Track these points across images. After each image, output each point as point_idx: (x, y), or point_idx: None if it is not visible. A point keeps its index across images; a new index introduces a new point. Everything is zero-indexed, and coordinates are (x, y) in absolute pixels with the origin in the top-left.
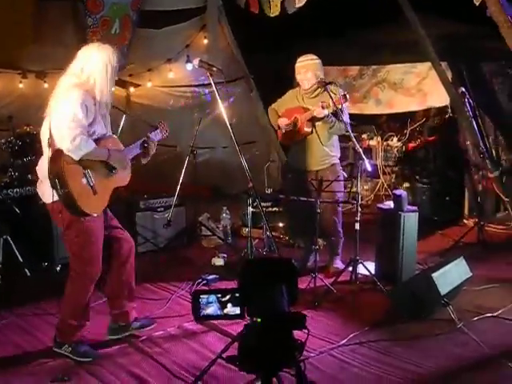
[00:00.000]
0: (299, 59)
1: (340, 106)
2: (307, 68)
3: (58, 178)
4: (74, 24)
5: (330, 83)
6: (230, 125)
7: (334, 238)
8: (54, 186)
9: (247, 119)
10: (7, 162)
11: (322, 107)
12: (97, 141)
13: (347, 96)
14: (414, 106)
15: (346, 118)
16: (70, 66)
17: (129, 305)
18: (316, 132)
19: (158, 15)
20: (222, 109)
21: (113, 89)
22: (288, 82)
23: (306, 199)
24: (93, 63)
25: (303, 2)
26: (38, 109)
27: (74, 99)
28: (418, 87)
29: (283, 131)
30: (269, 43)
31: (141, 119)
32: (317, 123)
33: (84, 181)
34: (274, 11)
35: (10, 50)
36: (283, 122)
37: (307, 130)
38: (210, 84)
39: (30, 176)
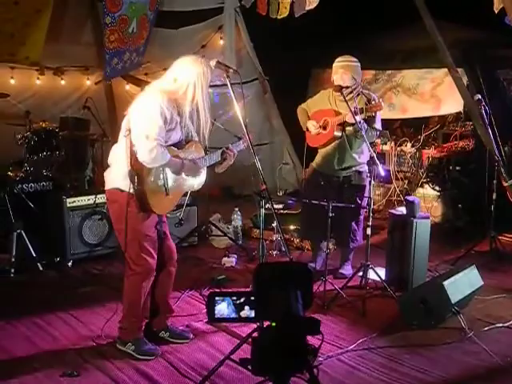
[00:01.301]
0: (338, 59)
1: (373, 114)
2: (346, 69)
3: (137, 175)
4: (91, 22)
5: (347, 88)
6: (245, 126)
7: (353, 245)
8: (131, 180)
9: (260, 121)
10: (23, 157)
11: (355, 113)
12: (176, 145)
13: (382, 103)
14: (428, 111)
15: (378, 125)
16: (166, 72)
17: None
18: (345, 137)
19: (176, 15)
20: (238, 110)
21: (207, 101)
22: (302, 84)
23: (317, 202)
24: (188, 75)
25: (314, 5)
26: (54, 105)
27: (155, 106)
28: (432, 93)
29: (312, 133)
30: (284, 46)
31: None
32: (347, 128)
33: (160, 182)
34: (282, 13)
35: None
36: (313, 124)
37: (337, 134)
38: (222, 85)
39: (44, 171)
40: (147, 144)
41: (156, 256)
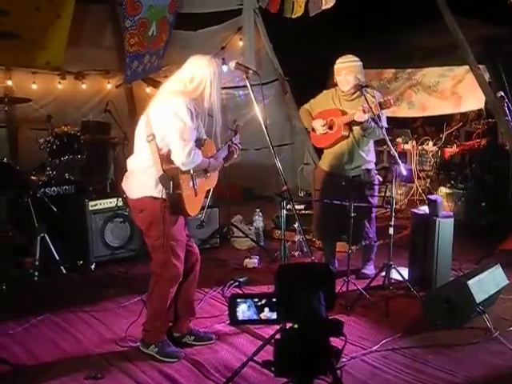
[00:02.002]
0: (340, 60)
1: (380, 112)
2: (349, 70)
3: (173, 179)
4: (112, 26)
5: (367, 86)
6: (265, 127)
7: (366, 242)
8: (166, 186)
9: (281, 121)
10: (45, 161)
11: (364, 111)
12: (197, 144)
13: (392, 101)
14: (448, 109)
15: (384, 123)
16: (177, 72)
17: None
18: (352, 136)
19: (195, 18)
20: (258, 111)
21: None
22: (321, 84)
23: (339, 203)
24: (204, 74)
25: (331, 4)
26: (76, 109)
27: (181, 108)
28: (452, 90)
29: (317, 133)
30: (303, 46)
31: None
32: (354, 127)
33: (191, 184)
34: (297, 12)
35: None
36: (319, 122)
37: (344, 133)
38: (244, 86)
39: (67, 175)
40: (185, 147)
41: (183, 261)
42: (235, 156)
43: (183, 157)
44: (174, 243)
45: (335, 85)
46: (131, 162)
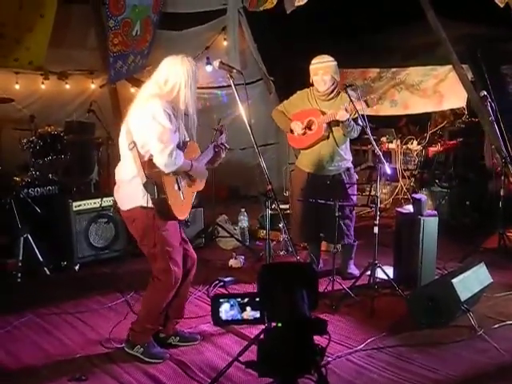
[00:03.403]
0: (316, 60)
1: (362, 111)
2: (325, 70)
3: (156, 184)
4: (95, 26)
5: (351, 85)
6: (250, 127)
7: (349, 241)
8: (150, 192)
9: (265, 121)
10: (28, 162)
11: (346, 110)
12: (179, 147)
13: (368, 103)
14: (430, 107)
15: (360, 121)
16: (153, 75)
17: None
18: (332, 135)
19: (179, 17)
20: (242, 111)
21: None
22: (306, 83)
23: (325, 202)
24: (178, 75)
25: (304, 1)
26: (59, 109)
27: (158, 111)
28: (434, 89)
29: (296, 134)
30: (287, 46)
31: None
32: (334, 127)
33: (176, 187)
34: (267, 5)
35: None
36: (298, 126)
37: (325, 133)
38: (227, 86)
39: (50, 175)
40: (165, 149)
41: (180, 268)
42: (222, 156)
43: (165, 158)
44: (170, 249)
45: (311, 85)
46: (118, 172)
